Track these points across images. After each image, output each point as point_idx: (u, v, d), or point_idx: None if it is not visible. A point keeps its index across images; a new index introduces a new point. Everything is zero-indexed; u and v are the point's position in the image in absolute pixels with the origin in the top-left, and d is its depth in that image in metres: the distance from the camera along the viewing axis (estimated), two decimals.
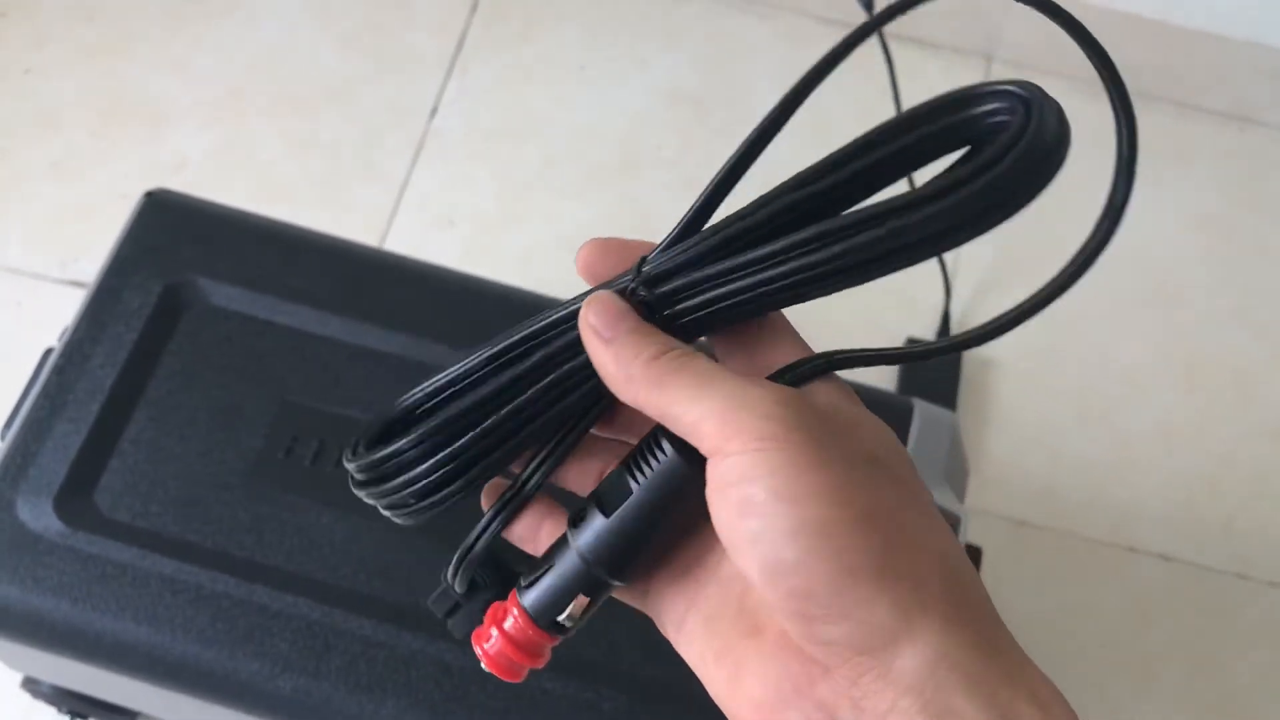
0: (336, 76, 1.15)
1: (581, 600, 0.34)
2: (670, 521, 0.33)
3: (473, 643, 0.34)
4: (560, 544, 0.34)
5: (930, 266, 1.04)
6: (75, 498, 0.68)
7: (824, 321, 0.98)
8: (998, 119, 0.29)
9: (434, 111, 1.14)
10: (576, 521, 0.33)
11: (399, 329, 0.73)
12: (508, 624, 0.34)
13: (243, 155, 1.11)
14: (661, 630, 0.35)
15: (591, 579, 0.33)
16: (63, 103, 1.13)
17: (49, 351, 0.74)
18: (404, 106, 1.14)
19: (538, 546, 0.35)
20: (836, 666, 0.29)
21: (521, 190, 1.10)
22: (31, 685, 0.84)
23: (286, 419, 0.71)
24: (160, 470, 0.69)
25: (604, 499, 0.33)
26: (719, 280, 0.31)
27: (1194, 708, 0.91)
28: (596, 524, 0.33)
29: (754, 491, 0.28)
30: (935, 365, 1.00)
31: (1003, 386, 1.02)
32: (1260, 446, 1.02)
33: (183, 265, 0.74)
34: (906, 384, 1.00)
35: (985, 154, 0.28)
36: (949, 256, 1.06)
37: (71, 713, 0.86)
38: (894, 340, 1.02)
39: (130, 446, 0.70)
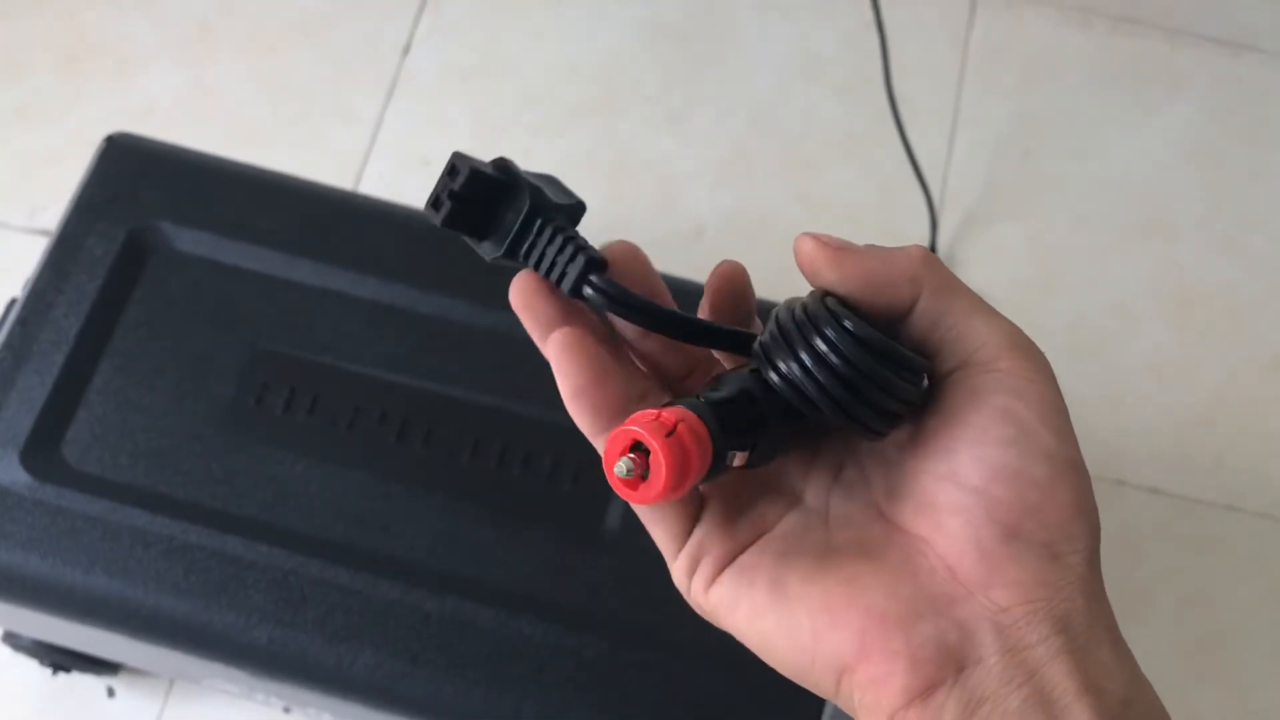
0: (307, 14, 1.12)
1: (748, 453, 0.31)
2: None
3: (631, 425, 0.29)
4: (756, 383, 0.31)
5: (916, 200, 1.03)
6: (42, 450, 0.67)
7: None
8: None
9: (407, 49, 1.11)
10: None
11: (370, 272, 0.71)
12: (691, 425, 0.29)
13: (213, 97, 1.09)
14: (688, 569, 0.33)
15: (771, 439, 0.31)
16: (25, 46, 1.10)
17: (13, 302, 0.73)
18: (376, 44, 1.11)
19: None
20: (994, 588, 0.29)
21: (499, 129, 1.07)
22: (12, 639, 0.83)
23: (257, 366, 0.69)
24: (129, 421, 0.68)
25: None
26: None
27: (1184, 641, 0.91)
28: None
29: (1022, 409, 0.30)
30: None
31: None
32: (1252, 379, 1.01)
33: (146, 210, 0.72)
34: None
35: None
36: (936, 190, 1.04)
37: (54, 665, 0.85)
38: None
39: (97, 397, 0.68)
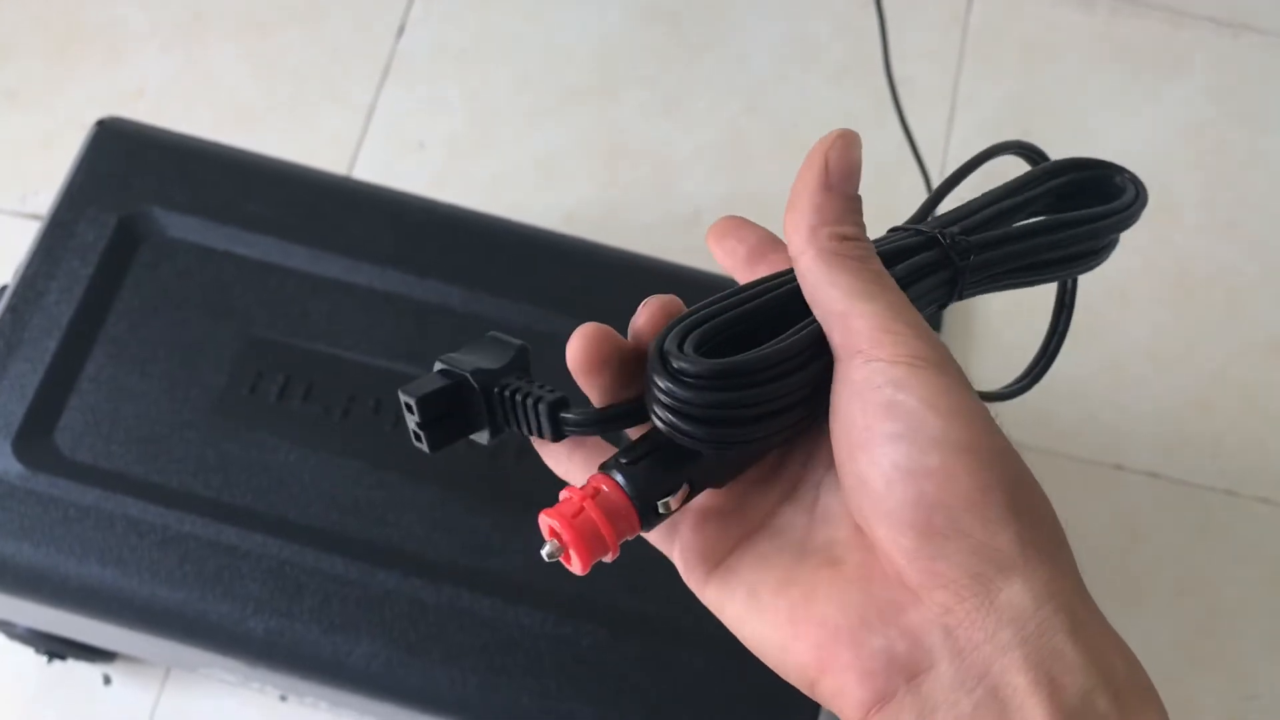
0: None
1: (685, 490, 0.31)
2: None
3: (545, 515, 0.31)
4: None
5: (915, 182, 1.02)
6: (34, 439, 0.66)
7: None
8: (1122, 186, 0.39)
9: (401, 31, 1.10)
10: None
11: (364, 258, 0.71)
12: (599, 499, 0.31)
13: (205, 80, 1.08)
14: (685, 570, 0.33)
15: (705, 468, 0.31)
16: (15, 29, 1.09)
17: (3, 289, 0.72)
18: (370, 27, 1.10)
19: (568, 471, 0.34)
20: (934, 590, 0.28)
21: (493, 112, 1.07)
22: (6, 627, 0.83)
23: (250, 354, 0.68)
24: (121, 409, 0.67)
25: None
26: (1005, 245, 0.35)
27: (1182, 625, 0.91)
28: None
29: (904, 398, 0.28)
30: None
31: (989, 306, 1.01)
32: (1251, 363, 1.00)
33: (138, 196, 0.72)
34: None
35: (1124, 200, 0.38)
36: (934, 172, 1.04)
37: (49, 653, 0.85)
38: None
39: (89, 385, 0.67)
